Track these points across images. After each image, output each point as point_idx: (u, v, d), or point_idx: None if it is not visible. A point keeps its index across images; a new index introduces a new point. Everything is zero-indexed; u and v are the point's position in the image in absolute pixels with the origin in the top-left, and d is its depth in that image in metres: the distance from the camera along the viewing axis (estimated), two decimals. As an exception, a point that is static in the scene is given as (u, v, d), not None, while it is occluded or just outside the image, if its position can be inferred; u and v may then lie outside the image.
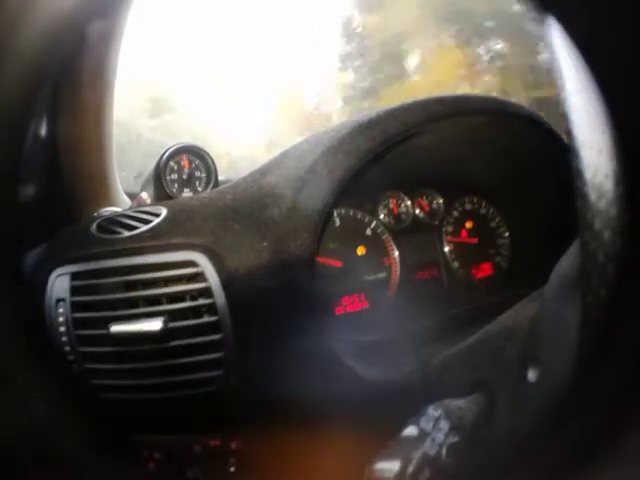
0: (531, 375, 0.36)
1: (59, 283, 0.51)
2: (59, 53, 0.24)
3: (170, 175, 0.85)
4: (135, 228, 0.54)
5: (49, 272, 0.51)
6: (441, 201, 0.79)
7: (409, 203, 0.76)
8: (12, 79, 0.23)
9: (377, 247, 0.73)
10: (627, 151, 0.22)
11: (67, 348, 0.50)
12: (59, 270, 0.51)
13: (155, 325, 0.48)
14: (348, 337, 0.60)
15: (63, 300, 0.50)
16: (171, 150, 0.86)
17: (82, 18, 0.24)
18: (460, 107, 0.61)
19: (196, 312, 0.50)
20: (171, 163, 0.85)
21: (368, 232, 0.72)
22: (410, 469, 0.34)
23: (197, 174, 0.88)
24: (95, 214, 0.67)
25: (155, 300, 0.50)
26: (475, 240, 0.81)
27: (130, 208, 0.64)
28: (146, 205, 0.68)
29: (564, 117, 0.24)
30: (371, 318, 0.68)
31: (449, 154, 0.71)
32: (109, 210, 0.69)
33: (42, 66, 0.23)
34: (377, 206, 0.74)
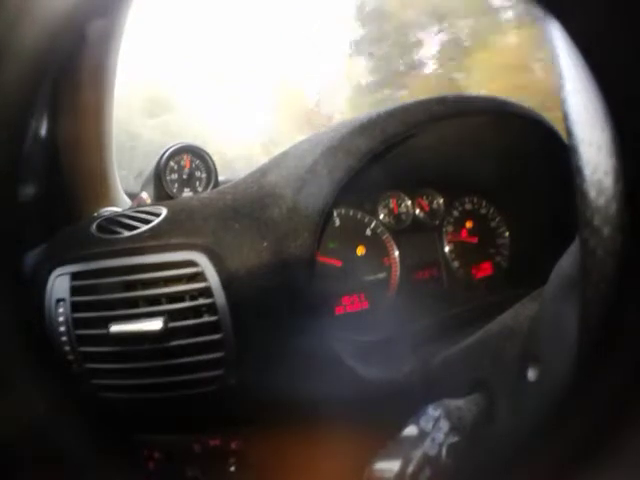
0: (531, 374, 0.36)
1: (59, 283, 0.51)
2: (59, 52, 0.24)
3: (170, 175, 0.85)
4: (135, 228, 0.54)
5: (49, 272, 0.51)
6: (441, 201, 0.79)
7: (409, 203, 0.76)
8: (12, 78, 0.23)
9: (377, 247, 0.72)
10: (626, 149, 0.22)
11: (67, 348, 0.50)
12: (59, 270, 0.51)
13: (155, 325, 0.48)
14: (348, 337, 0.60)
15: (63, 300, 0.50)
16: (171, 150, 0.86)
17: (82, 18, 0.24)
18: (461, 107, 0.61)
19: (196, 312, 0.50)
20: (171, 163, 0.85)
21: (368, 232, 0.72)
22: (410, 469, 0.34)
23: (197, 174, 0.88)
24: (95, 214, 0.67)
25: (155, 300, 0.50)
26: (475, 240, 0.81)
27: (130, 208, 0.64)
28: (146, 205, 0.68)
29: (564, 115, 0.24)
30: (371, 318, 0.68)
31: (449, 154, 0.71)
32: (109, 210, 0.69)
33: (42, 65, 0.23)
34: (377, 206, 0.74)
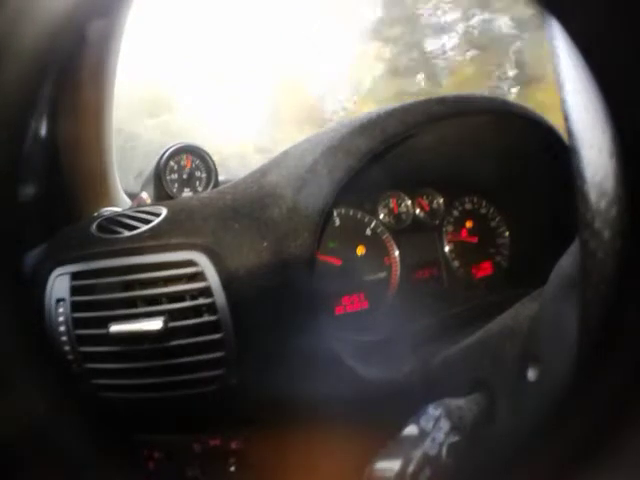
0: (531, 374, 0.36)
1: (59, 283, 0.51)
2: (59, 53, 0.24)
3: (170, 175, 0.85)
4: (135, 228, 0.54)
5: (49, 272, 0.51)
6: (441, 201, 0.79)
7: (409, 203, 0.76)
8: (12, 78, 0.23)
9: (377, 247, 0.73)
10: (627, 150, 0.22)
11: (67, 348, 0.50)
12: (59, 270, 0.51)
13: (155, 325, 0.48)
14: (348, 337, 0.60)
15: (63, 300, 0.50)
16: (171, 150, 0.86)
17: (82, 18, 0.24)
18: (461, 107, 0.61)
19: (196, 311, 0.50)
20: (171, 163, 0.85)
21: (368, 232, 0.72)
22: (410, 468, 0.34)
23: (197, 174, 0.88)
24: (95, 214, 0.67)
25: (155, 300, 0.50)
26: (475, 240, 0.81)
27: (130, 208, 0.64)
28: (146, 205, 0.68)
29: (564, 116, 0.24)
30: (371, 318, 0.68)
31: (449, 154, 0.71)
32: (109, 210, 0.69)
33: (42, 66, 0.23)
34: (377, 206, 0.74)
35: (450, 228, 0.80)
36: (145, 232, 0.53)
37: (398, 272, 0.73)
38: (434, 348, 0.55)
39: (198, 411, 0.54)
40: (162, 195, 0.83)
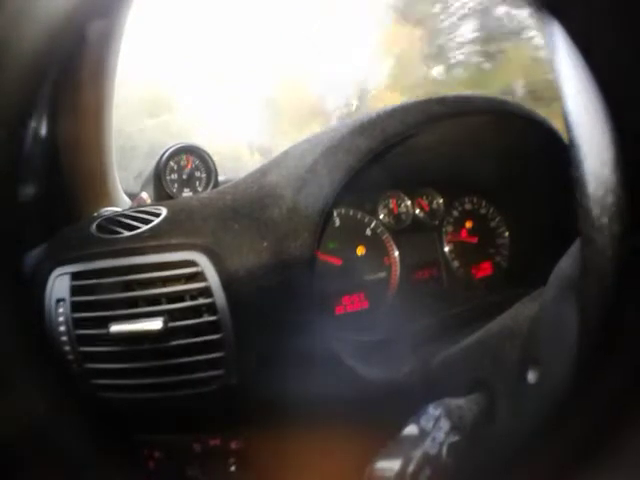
0: (531, 377, 0.36)
1: (59, 283, 0.51)
2: (59, 53, 0.24)
3: (170, 175, 0.85)
4: (135, 228, 0.54)
5: (49, 272, 0.51)
6: (441, 201, 0.79)
7: (409, 203, 0.76)
8: (12, 78, 0.23)
9: (377, 247, 0.73)
10: (627, 150, 0.22)
11: (67, 348, 0.50)
12: (59, 270, 0.51)
13: (155, 325, 0.48)
14: (348, 337, 0.60)
15: (63, 300, 0.50)
16: (171, 150, 0.86)
17: (82, 18, 0.24)
18: (461, 107, 0.61)
19: (196, 312, 0.50)
20: (171, 163, 0.86)
21: (368, 232, 0.72)
22: (411, 468, 0.34)
23: (197, 174, 0.88)
24: (95, 214, 0.67)
25: (155, 300, 0.50)
26: (475, 240, 0.81)
27: (130, 208, 0.64)
28: (146, 205, 0.68)
29: (564, 116, 0.24)
30: (371, 318, 0.68)
31: (449, 154, 0.71)
32: (109, 210, 0.70)
33: (42, 66, 0.23)
34: (377, 206, 0.74)
35: (450, 228, 0.80)
36: (145, 232, 0.53)
37: (398, 272, 0.73)
38: (434, 348, 0.55)
39: (198, 411, 0.54)
40: (162, 195, 0.84)
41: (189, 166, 0.87)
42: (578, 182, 0.23)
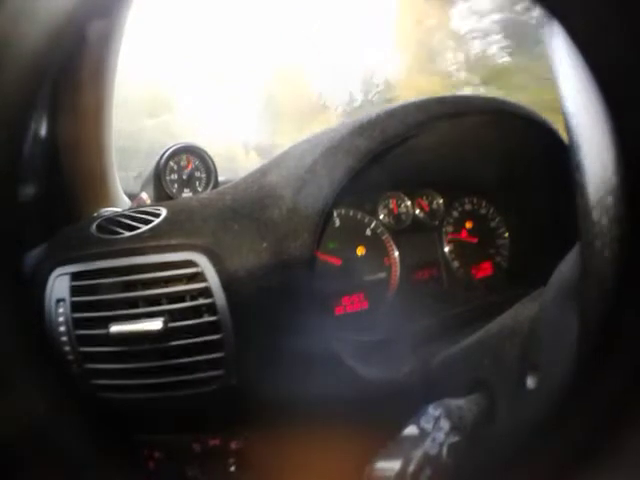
0: (530, 382, 0.36)
1: (59, 283, 0.51)
2: (59, 53, 0.24)
3: (170, 175, 0.85)
4: (135, 228, 0.54)
5: (49, 272, 0.51)
6: (441, 201, 0.79)
7: (409, 203, 0.76)
8: (12, 78, 0.23)
9: (377, 247, 0.72)
10: (627, 150, 0.22)
11: (67, 348, 0.50)
12: (59, 270, 0.51)
13: (155, 325, 0.48)
14: (348, 337, 0.60)
15: (63, 300, 0.50)
16: (171, 150, 0.86)
17: (82, 18, 0.24)
18: (460, 107, 0.61)
19: (196, 312, 0.50)
20: (171, 163, 0.86)
21: (368, 232, 0.72)
22: (411, 468, 0.34)
23: (197, 174, 0.88)
24: (95, 214, 0.67)
25: (155, 300, 0.50)
26: (475, 240, 0.81)
27: (130, 208, 0.64)
28: (146, 205, 0.68)
29: (564, 116, 0.24)
30: (371, 318, 0.68)
31: (449, 154, 0.71)
32: (109, 210, 0.70)
33: (42, 66, 0.23)
34: (377, 206, 0.74)
35: (450, 229, 0.80)
36: (145, 232, 0.53)
37: (398, 272, 0.73)
38: (434, 348, 0.55)
39: (198, 411, 0.54)
40: (162, 195, 0.84)
41: (189, 166, 0.87)
42: (578, 183, 0.23)
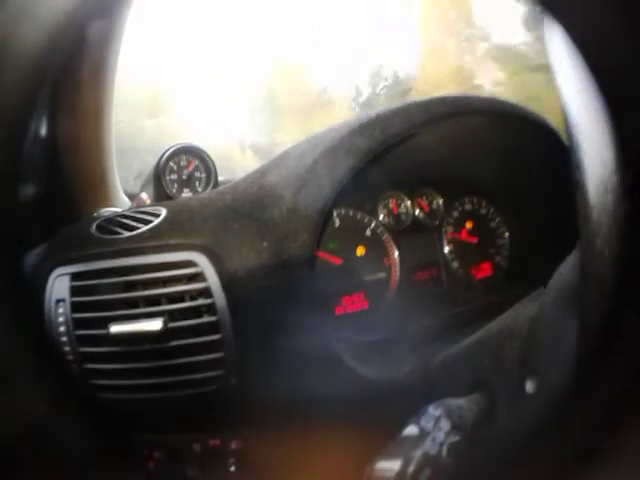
0: (529, 387, 0.36)
1: (59, 283, 0.51)
2: (59, 53, 0.24)
3: (170, 175, 0.85)
4: (135, 228, 0.54)
5: (49, 272, 0.51)
6: (441, 201, 0.79)
7: (409, 203, 0.76)
8: (12, 79, 0.23)
9: (377, 247, 0.72)
10: (627, 150, 0.22)
11: (67, 348, 0.50)
12: (59, 270, 0.51)
13: (155, 325, 0.48)
14: (348, 337, 0.60)
15: (63, 300, 0.50)
16: (171, 150, 0.86)
17: (82, 18, 0.24)
18: (461, 107, 0.61)
19: (196, 312, 0.50)
20: (171, 163, 0.85)
21: (368, 232, 0.72)
22: (411, 468, 0.34)
23: (197, 174, 0.88)
24: (95, 214, 0.67)
25: (155, 300, 0.50)
26: (475, 240, 0.81)
27: (130, 208, 0.64)
28: (146, 205, 0.68)
29: (564, 116, 0.24)
30: (371, 318, 0.68)
31: (449, 154, 0.71)
32: (109, 210, 0.69)
33: (42, 66, 0.23)
34: (377, 206, 0.74)
35: (450, 229, 0.80)
36: (145, 233, 0.53)
37: (398, 273, 0.73)
38: (434, 348, 0.55)
39: (198, 411, 0.54)
40: (162, 196, 0.84)
41: (190, 167, 0.87)
42: (578, 183, 0.23)
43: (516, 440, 0.28)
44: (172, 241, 0.52)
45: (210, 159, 0.89)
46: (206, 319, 0.50)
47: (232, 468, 0.56)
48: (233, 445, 0.56)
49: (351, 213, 0.71)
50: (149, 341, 0.49)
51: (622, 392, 0.22)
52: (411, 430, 0.38)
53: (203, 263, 0.50)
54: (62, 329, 0.50)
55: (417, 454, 0.35)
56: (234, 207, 0.56)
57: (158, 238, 0.52)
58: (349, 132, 0.56)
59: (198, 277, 0.50)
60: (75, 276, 0.51)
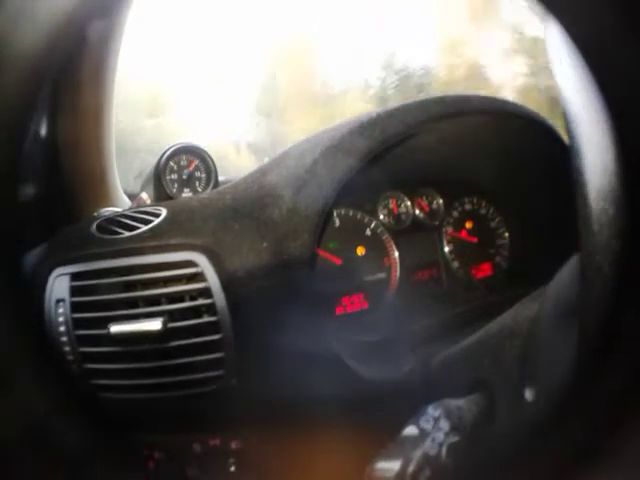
0: (528, 394, 0.36)
1: (59, 283, 0.51)
2: (59, 53, 0.24)
3: (170, 175, 0.85)
4: (135, 228, 0.54)
5: (49, 272, 0.51)
6: (441, 201, 0.79)
7: (409, 203, 0.76)
8: (12, 79, 0.23)
9: (377, 247, 0.72)
10: (627, 151, 0.22)
11: (67, 348, 0.50)
12: (59, 270, 0.51)
13: (155, 325, 0.48)
14: (348, 337, 0.60)
15: (63, 300, 0.50)
16: (171, 150, 0.86)
17: (82, 18, 0.24)
18: (460, 107, 0.61)
19: (196, 312, 0.50)
20: (171, 163, 0.86)
21: (368, 232, 0.72)
22: (410, 469, 0.34)
23: (197, 174, 0.88)
24: (95, 214, 0.67)
25: (155, 300, 0.50)
26: (475, 240, 0.81)
27: (130, 208, 0.64)
28: (146, 205, 0.68)
29: (564, 116, 0.24)
30: (371, 318, 0.68)
31: (449, 154, 0.71)
32: (109, 210, 0.69)
33: (42, 66, 0.23)
34: (377, 206, 0.74)
35: (450, 229, 0.80)
36: (145, 232, 0.53)
37: (398, 273, 0.73)
38: (434, 348, 0.55)
39: (198, 411, 0.54)
40: (162, 195, 0.84)
41: (191, 167, 0.87)
42: (578, 183, 0.23)
43: (516, 440, 0.28)
44: (172, 241, 0.52)
45: (210, 159, 0.89)
46: (206, 319, 0.50)
47: (232, 468, 0.56)
48: (233, 445, 0.56)
49: (351, 213, 0.71)
50: (149, 341, 0.49)
51: (622, 392, 0.22)
52: (411, 430, 0.38)
53: (203, 263, 0.50)
54: (62, 329, 0.50)
55: (417, 454, 0.35)
56: (234, 207, 0.56)
57: (158, 238, 0.52)
58: (349, 132, 0.56)
59: (198, 277, 0.50)
60: (75, 276, 0.51)
